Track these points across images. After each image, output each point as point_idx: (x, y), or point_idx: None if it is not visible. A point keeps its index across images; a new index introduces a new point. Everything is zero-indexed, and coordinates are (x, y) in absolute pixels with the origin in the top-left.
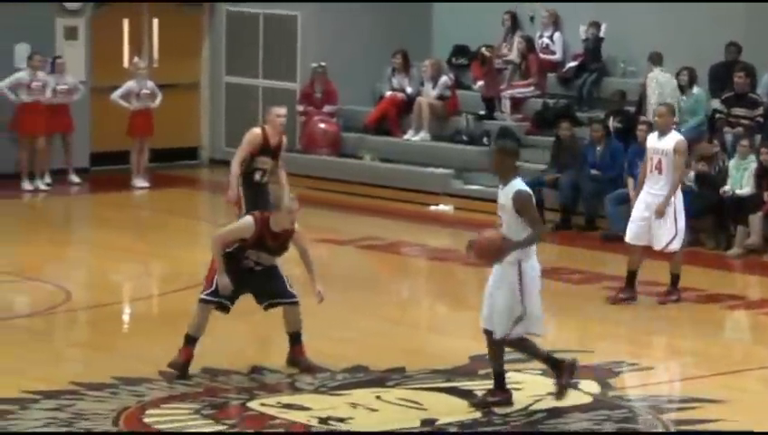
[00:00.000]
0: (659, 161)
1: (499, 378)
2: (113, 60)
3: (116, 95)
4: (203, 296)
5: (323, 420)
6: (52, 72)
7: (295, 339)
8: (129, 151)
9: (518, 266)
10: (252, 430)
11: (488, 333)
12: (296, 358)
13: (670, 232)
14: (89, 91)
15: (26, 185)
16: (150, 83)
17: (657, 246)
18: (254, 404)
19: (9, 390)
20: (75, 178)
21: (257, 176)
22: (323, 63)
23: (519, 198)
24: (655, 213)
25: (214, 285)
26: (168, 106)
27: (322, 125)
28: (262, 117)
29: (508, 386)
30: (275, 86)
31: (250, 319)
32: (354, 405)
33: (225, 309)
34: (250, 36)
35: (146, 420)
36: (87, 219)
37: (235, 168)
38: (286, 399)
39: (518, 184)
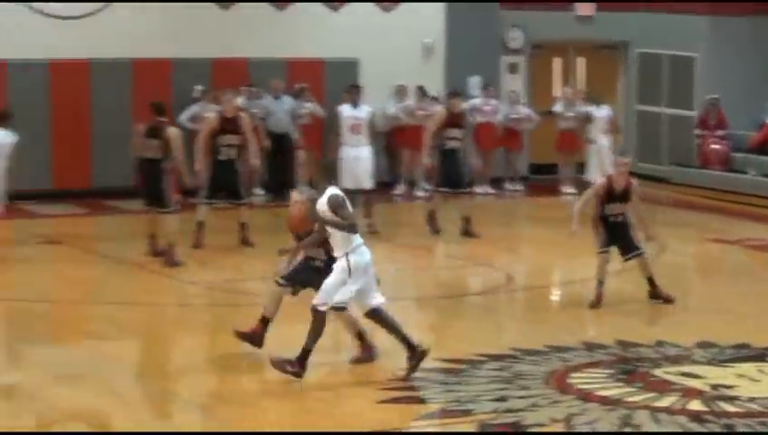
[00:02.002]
0: None
1: (305, 354)
2: (545, 90)
3: (556, 107)
4: (277, 280)
5: (714, 387)
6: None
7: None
8: (557, 164)
9: (346, 258)
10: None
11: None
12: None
13: None
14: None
15: (478, 189)
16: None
17: None
18: (658, 372)
19: (463, 352)
20: (518, 186)
21: (611, 219)
22: (716, 96)
23: (332, 200)
24: None
25: (288, 271)
26: None
27: (715, 146)
28: (667, 139)
29: None
30: (676, 114)
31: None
32: (740, 376)
33: (294, 292)
34: (656, 73)
35: (569, 381)
36: (525, 218)
37: (580, 210)
38: (685, 368)
39: (331, 190)
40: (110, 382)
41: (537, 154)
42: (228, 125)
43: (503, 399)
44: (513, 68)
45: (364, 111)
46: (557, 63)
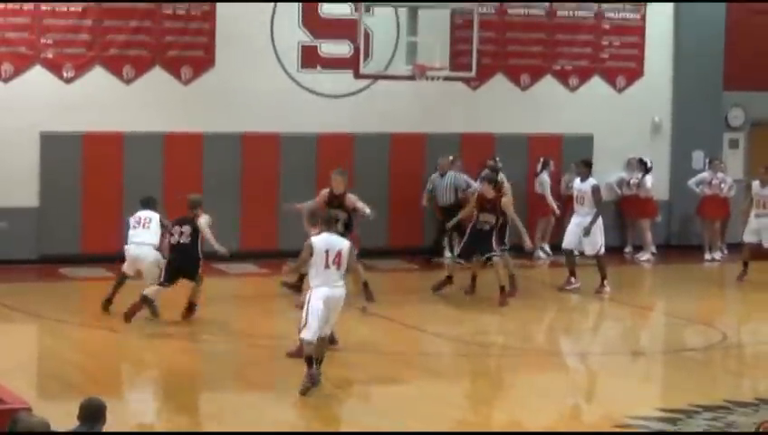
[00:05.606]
0: None
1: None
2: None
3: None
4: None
5: None
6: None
7: None
8: None
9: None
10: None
11: None
12: None
13: None
14: (743, 188)
15: (706, 256)
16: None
17: None
18: None
19: (679, 402)
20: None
21: None
22: None
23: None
24: None
25: None
26: None
27: None
28: None
29: None
30: None
31: None
32: None
33: None
34: None
35: None
36: (750, 283)
37: None
38: None
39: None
40: None
41: None
42: (335, 201)
43: None
44: (733, 144)
45: (588, 185)
46: None
